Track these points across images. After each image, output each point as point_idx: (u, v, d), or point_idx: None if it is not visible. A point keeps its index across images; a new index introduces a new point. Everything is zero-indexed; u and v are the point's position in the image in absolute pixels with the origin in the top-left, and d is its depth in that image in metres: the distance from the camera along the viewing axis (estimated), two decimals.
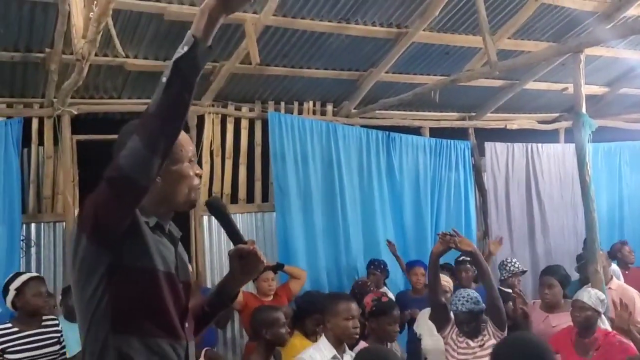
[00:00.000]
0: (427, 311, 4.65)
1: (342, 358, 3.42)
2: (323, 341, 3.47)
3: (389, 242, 6.55)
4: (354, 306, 3.52)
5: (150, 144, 1.56)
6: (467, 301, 3.80)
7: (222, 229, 1.97)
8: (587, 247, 5.09)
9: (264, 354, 3.67)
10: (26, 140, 5.82)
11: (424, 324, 4.68)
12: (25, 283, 3.98)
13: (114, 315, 1.71)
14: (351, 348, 3.54)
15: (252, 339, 4.95)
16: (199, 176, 1.90)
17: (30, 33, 5.09)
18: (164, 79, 1.55)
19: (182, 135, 1.81)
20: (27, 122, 5.79)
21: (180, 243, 1.96)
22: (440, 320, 3.94)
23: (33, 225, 5.80)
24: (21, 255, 5.59)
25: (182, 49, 1.55)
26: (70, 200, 5.81)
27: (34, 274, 4.47)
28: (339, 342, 3.44)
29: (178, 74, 1.55)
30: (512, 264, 5.79)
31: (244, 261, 1.91)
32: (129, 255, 1.71)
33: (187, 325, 1.85)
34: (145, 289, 1.74)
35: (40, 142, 5.94)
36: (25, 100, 5.92)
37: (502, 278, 5.64)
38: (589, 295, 4.02)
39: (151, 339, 1.74)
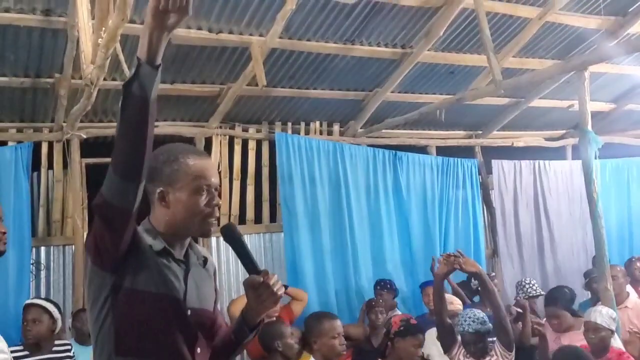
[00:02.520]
0: (433, 331, 4.64)
1: None
2: None
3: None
4: (337, 323, 3.52)
5: (117, 169, 1.62)
6: (473, 321, 3.78)
7: (236, 256, 1.92)
8: (597, 264, 5.06)
9: None
10: (36, 164, 5.88)
11: (432, 345, 4.65)
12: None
13: (116, 337, 1.76)
14: None
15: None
16: (215, 206, 1.87)
17: (40, 59, 5.16)
18: (119, 104, 1.58)
19: (198, 164, 1.86)
20: (36, 146, 5.86)
21: (205, 269, 1.98)
22: (446, 341, 3.92)
23: (43, 248, 5.84)
24: (31, 279, 5.61)
25: (130, 72, 1.58)
26: (80, 224, 5.85)
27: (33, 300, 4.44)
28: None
29: (128, 96, 1.57)
30: (530, 285, 5.73)
31: (259, 292, 1.86)
32: (129, 278, 1.76)
33: (198, 351, 1.84)
34: (144, 311, 1.77)
35: (50, 166, 5.99)
36: (35, 125, 5.98)
37: (517, 298, 5.58)
38: (601, 315, 3.99)
39: None
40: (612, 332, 3.99)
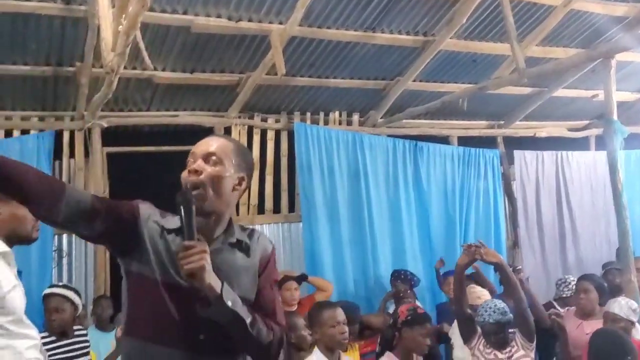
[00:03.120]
0: None
1: None
2: (316, 352, 3.43)
3: (440, 260, 6.50)
4: (337, 312, 3.48)
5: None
6: (494, 312, 3.74)
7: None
8: (621, 256, 4.99)
9: (289, 358, 3.68)
10: (58, 153, 5.93)
11: (457, 335, 4.63)
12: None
13: (127, 318, 1.88)
14: (335, 355, 3.46)
15: None
16: (191, 172, 1.88)
17: (61, 48, 5.19)
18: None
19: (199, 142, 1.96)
20: (58, 135, 5.90)
21: (238, 253, 1.93)
22: (466, 332, 3.89)
23: (65, 236, 5.90)
24: (53, 266, 5.68)
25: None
26: None
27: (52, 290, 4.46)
28: (330, 350, 3.41)
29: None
30: (566, 285, 5.62)
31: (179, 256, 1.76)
32: (132, 262, 1.85)
33: (201, 337, 1.81)
34: (140, 294, 1.84)
35: (72, 155, 6.04)
36: (57, 114, 6.03)
37: (564, 295, 5.49)
38: (620, 305, 3.94)
39: (147, 344, 1.81)
40: (632, 323, 3.93)
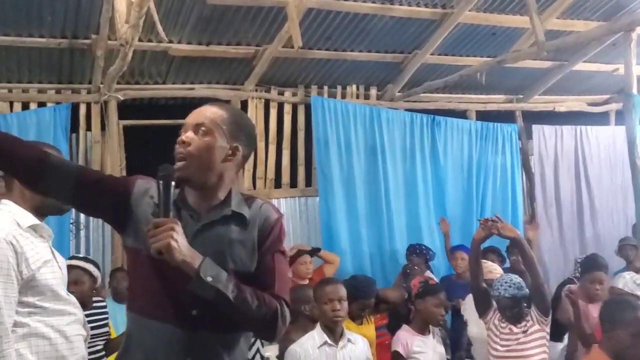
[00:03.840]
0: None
1: (338, 343, 3.35)
2: (317, 328, 3.43)
3: (442, 220, 6.48)
4: (329, 289, 3.45)
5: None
6: (509, 286, 3.73)
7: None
8: (637, 232, 4.94)
9: (304, 329, 3.69)
10: (74, 126, 5.95)
11: (471, 310, 4.62)
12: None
13: (129, 292, 1.92)
14: (336, 332, 3.42)
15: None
16: (179, 143, 1.84)
17: (77, 20, 5.18)
18: None
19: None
20: (75, 107, 5.92)
21: (234, 226, 1.86)
22: (481, 306, 3.88)
23: None
24: (71, 238, 5.74)
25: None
26: None
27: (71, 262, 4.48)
28: (328, 327, 3.39)
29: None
30: None
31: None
32: (128, 238, 1.86)
33: (194, 313, 1.77)
34: (137, 270, 1.85)
35: (88, 128, 6.06)
36: (73, 87, 6.04)
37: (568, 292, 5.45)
38: (624, 280, 3.93)
39: (143, 318, 1.82)
40: (637, 297, 3.89)
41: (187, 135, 1.84)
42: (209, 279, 1.70)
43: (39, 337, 2.18)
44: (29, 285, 2.15)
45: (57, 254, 2.37)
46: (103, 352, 3.91)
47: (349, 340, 3.41)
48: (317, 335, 3.38)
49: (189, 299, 1.73)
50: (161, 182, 1.75)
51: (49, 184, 1.78)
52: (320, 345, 3.31)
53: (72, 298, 2.34)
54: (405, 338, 3.99)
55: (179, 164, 1.81)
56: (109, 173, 5.91)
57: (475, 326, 4.52)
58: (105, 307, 4.10)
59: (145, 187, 1.87)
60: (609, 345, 2.99)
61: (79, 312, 2.34)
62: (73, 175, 1.80)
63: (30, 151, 1.77)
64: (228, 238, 1.84)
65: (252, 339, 4.95)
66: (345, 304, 3.45)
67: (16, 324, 2.13)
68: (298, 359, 3.28)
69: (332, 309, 3.37)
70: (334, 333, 3.38)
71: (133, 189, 1.86)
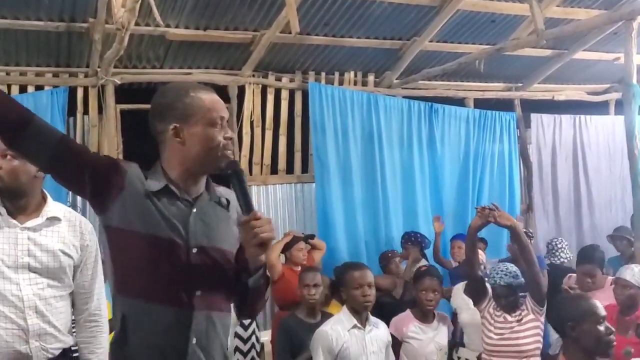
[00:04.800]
0: (461, 285, 4.63)
1: (365, 327, 3.41)
2: (344, 311, 3.49)
3: (437, 218, 6.49)
4: (357, 274, 3.47)
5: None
6: (505, 275, 3.74)
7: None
8: (635, 222, 4.95)
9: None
10: (71, 109, 5.94)
11: (459, 299, 4.65)
12: None
13: (114, 276, 1.84)
14: (363, 316, 3.47)
15: (283, 308, 5.04)
16: (229, 139, 1.87)
17: (74, 3, 5.14)
18: None
19: (209, 98, 1.86)
20: (72, 91, 5.90)
21: (222, 209, 1.92)
22: (476, 294, 3.90)
23: None
24: None
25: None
26: None
27: None
28: (356, 311, 3.44)
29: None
30: (562, 249, 5.64)
31: (245, 231, 1.80)
32: (116, 219, 1.80)
33: (198, 293, 1.80)
34: (133, 252, 1.78)
35: (85, 111, 6.04)
36: (71, 70, 6.02)
37: (558, 262, 5.51)
38: (632, 272, 3.91)
39: (142, 302, 1.79)
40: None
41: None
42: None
43: None
44: None
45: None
46: None
47: (374, 325, 3.48)
48: (344, 318, 3.43)
49: (192, 280, 1.79)
50: (235, 177, 1.80)
51: (30, 143, 1.73)
52: (350, 329, 3.38)
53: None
54: (402, 322, 4.04)
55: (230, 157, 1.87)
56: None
57: (465, 312, 4.56)
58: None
59: (135, 172, 1.85)
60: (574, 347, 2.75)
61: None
62: (57, 139, 1.77)
63: (19, 108, 1.74)
64: (221, 220, 1.90)
65: (249, 322, 5.02)
66: (374, 289, 3.51)
67: None
68: (330, 340, 3.33)
69: (362, 294, 3.41)
70: (362, 317, 3.44)
71: (125, 171, 1.83)
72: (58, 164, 1.77)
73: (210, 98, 1.86)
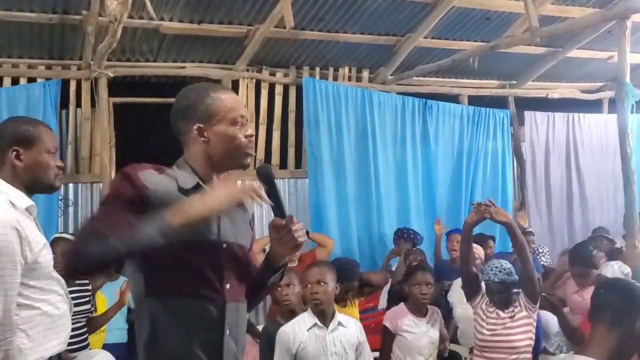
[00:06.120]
0: (460, 281, 4.63)
1: (327, 326, 3.32)
2: (308, 311, 3.43)
3: (437, 221, 6.48)
4: (310, 272, 3.46)
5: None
6: (499, 271, 3.74)
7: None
8: (626, 221, 4.96)
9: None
10: (64, 102, 5.91)
11: (456, 293, 4.67)
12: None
13: (145, 280, 1.84)
14: (326, 315, 3.40)
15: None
16: (251, 137, 1.95)
17: None
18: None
19: (229, 98, 1.94)
20: (65, 83, 5.87)
21: (240, 207, 1.94)
22: (470, 290, 3.90)
23: (71, 185, 5.93)
24: (59, 215, 5.72)
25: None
26: (107, 162, 5.89)
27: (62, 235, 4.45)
28: (313, 309, 3.39)
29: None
30: (543, 254, 5.75)
31: (280, 234, 1.91)
32: None
33: (227, 286, 1.87)
34: (167, 250, 1.74)
35: (78, 104, 6.01)
36: (63, 62, 5.98)
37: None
38: (613, 269, 3.94)
39: (175, 298, 1.82)
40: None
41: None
42: None
43: (42, 315, 2.20)
44: (31, 268, 2.14)
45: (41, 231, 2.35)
46: (85, 329, 3.90)
47: (339, 324, 3.38)
48: (307, 317, 3.38)
49: (223, 274, 1.87)
50: (267, 181, 1.88)
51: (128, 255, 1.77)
52: (310, 328, 3.30)
53: (58, 275, 2.34)
54: (396, 314, 4.04)
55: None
56: (98, 150, 5.92)
57: (460, 307, 4.57)
58: (87, 284, 4.07)
59: (155, 180, 1.82)
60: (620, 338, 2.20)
61: (62, 289, 2.34)
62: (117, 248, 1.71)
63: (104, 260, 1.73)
64: (241, 219, 1.98)
65: None
66: (327, 286, 3.41)
67: (20, 306, 2.12)
68: (287, 341, 3.27)
69: (311, 292, 3.38)
70: (324, 316, 3.36)
71: (146, 187, 1.79)
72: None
73: (230, 98, 1.96)
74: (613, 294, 2.30)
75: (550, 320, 4.48)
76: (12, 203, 2.17)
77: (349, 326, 3.42)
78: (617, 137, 5.04)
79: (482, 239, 5.69)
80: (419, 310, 4.06)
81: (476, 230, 4.03)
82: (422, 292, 4.02)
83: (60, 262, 3.81)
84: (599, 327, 2.23)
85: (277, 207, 1.89)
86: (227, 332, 1.86)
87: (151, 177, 1.82)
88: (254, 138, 1.96)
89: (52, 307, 2.24)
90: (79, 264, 1.71)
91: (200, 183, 1.88)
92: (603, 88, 8.71)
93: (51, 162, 2.32)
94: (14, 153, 2.27)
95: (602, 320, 2.22)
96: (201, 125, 1.89)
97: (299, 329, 3.30)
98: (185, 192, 1.84)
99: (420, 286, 4.03)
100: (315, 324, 3.31)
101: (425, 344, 3.98)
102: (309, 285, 3.41)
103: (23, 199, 2.23)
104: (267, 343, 3.60)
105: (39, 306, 2.19)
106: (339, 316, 3.44)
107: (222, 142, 1.90)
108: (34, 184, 2.31)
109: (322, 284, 3.39)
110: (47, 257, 2.23)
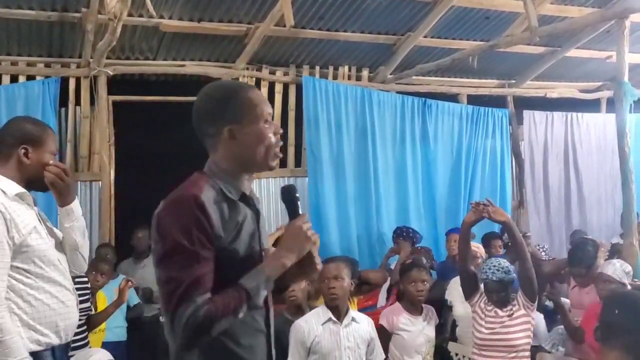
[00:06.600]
0: (458, 279, 4.64)
1: (341, 321, 3.40)
2: (322, 306, 3.50)
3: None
4: (327, 268, 3.47)
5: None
6: (497, 270, 3.76)
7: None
8: (624, 220, 4.97)
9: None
10: (63, 100, 5.90)
11: (455, 292, 4.67)
12: None
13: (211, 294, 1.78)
14: (340, 310, 3.47)
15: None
16: (277, 134, 1.89)
17: None
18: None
19: (256, 96, 1.87)
20: (64, 81, 5.87)
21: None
22: (468, 289, 3.91)
23: None
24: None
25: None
26: (106, 160, 5.90)
27: None
28: (328, 304, 3.46)
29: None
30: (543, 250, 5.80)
31: (303, 261, 1.89)
32: (222, 244, 1.77)
33: (265, 292, 1.83)
34: (227, 263, 1.76)
35: (77, 102, 6.01)
36: (63, 60, 5.98)
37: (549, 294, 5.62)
38: (614, 268, 3.95)
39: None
40: (624, 285, 3.94)
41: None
42: None
43: (36, 300, 2.32)
44: (20, 251, 2.29)
45: (48, 221, 2.54)
46: (85, 327, 3.91)
47: (353, 319, 3.46)
48: (321, 312, 3.44)
49: None
50: (290, 201, 1.91)
51: None
52: (324, 322, 3.38)
53: (63, 266, 2.46)
54: (392, 313, 4.06)
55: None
56: (97, 149, 5.91)
57: (460, 305, 4.57)
58: (86, 282, 4.09)
59: (216, 214, 1.75)
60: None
61: (66, 280, 2.45)
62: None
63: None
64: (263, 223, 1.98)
65: None
66: (343, 281, 3.48)
67: (13, 289, 2.26)
68: (303, 333, 3.34)
69: (327, 287, 3.45)
70: (338, 311, 3.43)
71: (215, 227, 1.73)
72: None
73: (257, 95, 1.89)
74: (629, 315, 2.21)
75: (538, 319, 4.49)
76: (2, 190, 2.33)
77: (361, 322, 3.51)
78: (616, 137, 5.04)
79: (489, 238, 5.70)
80: (414, 308, 4.07)
81: (476, 230, 4.05)
82: (418, 289, 4.04)
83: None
84: (613, 352, 2.17)
85: (294, 208, 1.92)
86: (272, 341, 1.91)
87: (211, 206, 1.74)
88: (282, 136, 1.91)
89: (47, 296, 2.35)
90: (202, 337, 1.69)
91: (246, 193, 1.86)
92: (601, 87, 8.73)
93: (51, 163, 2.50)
94: (23, 150, 2.44)
95: (616, 346, 2.16)
96: (232, 127, 1.81)
97: (313, 323, 3.37)
98: (232, 202, 1.80)
99: (416, 283, 4.05)
100: (330, 319, 3.39)
101: (422, 342, 4.00)
102: (325, 280, 3.46)
103: (13, 186, 2.38)
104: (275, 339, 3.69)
105: (34, 293, 2.31)
106: (353, 312, 3.52)
107: (254, 142, 1.83)
108: (34, 182, 2.48)
109: (339, 279, 3.46)
110: (39, 241, 2.35)
